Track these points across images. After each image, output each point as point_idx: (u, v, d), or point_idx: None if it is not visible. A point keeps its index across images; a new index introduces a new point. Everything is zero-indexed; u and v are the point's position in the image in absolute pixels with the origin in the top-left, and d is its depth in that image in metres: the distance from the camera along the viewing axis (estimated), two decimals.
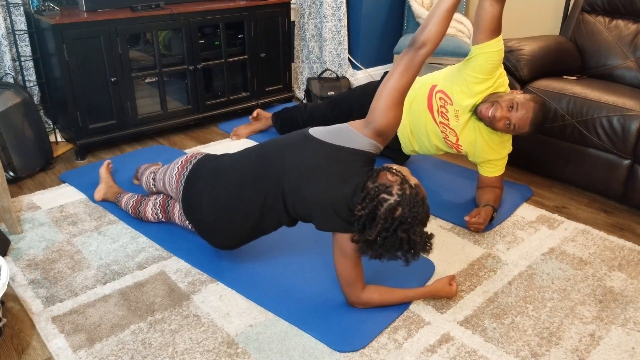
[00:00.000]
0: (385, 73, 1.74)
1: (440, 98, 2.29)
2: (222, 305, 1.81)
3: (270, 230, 1.85)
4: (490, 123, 2.15)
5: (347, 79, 3.79)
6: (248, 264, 2.01)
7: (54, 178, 2.67)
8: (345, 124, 1.71)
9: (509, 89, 2.29)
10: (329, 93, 3.63)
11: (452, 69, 2.31)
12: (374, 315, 1.76)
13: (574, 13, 3.06)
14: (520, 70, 2.68)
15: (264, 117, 3.20)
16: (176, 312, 1.77)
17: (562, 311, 1.82)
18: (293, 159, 1.70)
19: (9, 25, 2.76)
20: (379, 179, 1.60)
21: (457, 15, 3.79)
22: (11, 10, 2.74)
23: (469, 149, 2.34)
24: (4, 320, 1.68)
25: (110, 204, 2.38)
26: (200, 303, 1.81)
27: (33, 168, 2.67)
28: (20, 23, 2.80)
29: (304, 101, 3.79)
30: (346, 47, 3.81)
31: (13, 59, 2.81)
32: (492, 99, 2.17)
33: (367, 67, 4.07)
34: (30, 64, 2.88)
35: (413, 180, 1.61)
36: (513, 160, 2.64)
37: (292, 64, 3.87)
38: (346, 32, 3.80)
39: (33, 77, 2.91)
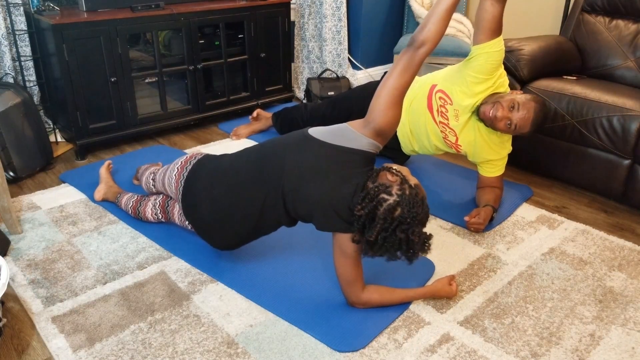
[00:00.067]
0: (386, 73, 1.74)
1: (440, 98, 2.29)
2: (222, 305, 1.81)
3: (270, 230, 1.85)
4: (492, 123, 2.15)
5: (347, 79, 3.79)
6: (248, 264, 2.01)
7: (54, 178, 2.67)
8: (344, 124, 1.71)
9: (509, 89, 2.29)
10: (329, 93, 3.63)
11: (452, 69, 2.31)
12: (374, 315, 1.76)
13: (574, 13, 3.06)
14: (520, 70, 2.68)
15: (264, 117, 3.20)
16: (176, 312, 1.77)
17: (562, 311, 1.82)
18: (293, 159, 1.70)
19: (9, 25, 2.76)
20: (378, 179, 1.60)
21: (457, 15, 3.79)
22: (11, 10, 2.74)
23: (469, 149, 2.34)
24: (4, 320, 1.68)
25: (110, 204, 2.38)
26: (200, 303, 1.81)
27: (33, 168, 2.67)
28: (20, 23, 2.80)
29: (304, 101, 3.79)
30: (346, 47, 3.81)
31: (13, 59, 2.81)
32: (493, 99, 2.17)
33: (367, 67, 4.07)
34: (30, 64, 2.89)
35: (413, 181, 1.61)
36: (513, 160, 2.64)
37: (292, 64, 3.87)
38: (346, 32, 3.80)
39: (33, 77, 2.91)
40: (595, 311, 1.82)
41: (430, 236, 1.58)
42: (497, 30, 2.13)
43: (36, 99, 2.92)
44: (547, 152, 2.66)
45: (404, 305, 1.81)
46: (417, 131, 2.44)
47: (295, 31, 3.82)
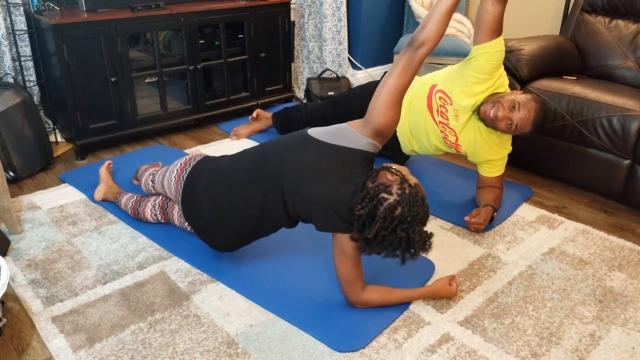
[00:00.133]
0: (386, 73, 1.74)
1: (440, 98, 2.29)
2: (222, 305, 1.81)
3: (270, 231, 1.85)
4: (492, 123, 2.15)
5: (347, 79, 3.79)
6: (248, 264, 2.01)
7: (54, 178, 2.67)
8: (344, 124, 1.71)
9: (509, 89, 2.29)
10: (329, 93, 3.63)
11: (452, 68, 2.31)
12: (374, 315, 1.76)
13: (574, 13, 3.06)
14: (520, 70, 2.68)
15: (263, 117, 3.20)
16: (176, 312, 1.77)
17: (562, 311, 1.82)
18: (292, 160, 1.70)
19: (9, 25, 2.76)
20: (378, 179, 1.60)
21: (457, 15, 3.79)
22: (11, 10, 2.74)
23: (469, 149, 2.34)
24: (4, 320, 1.68)
25: (110, 204, 2.38)
26: (200, 303, 1.81)
27: (33, 168, 2.67)
28: (20, 23, 2.80)
29: (304, 101, 3.79)
30: (346, 47, 3.81)
31: (13, 59, 2.81)
32: (494, 99, 2.17)
33: (367, 67, 4.07)
34: (30, 64, 2.89)
35: (412, 180, 1.61)
36: (513, 160, 2.64)
37: (292, 64, 3.87)
38: (346, 32, 3.80)
39: (33, 77, 2.91)
40: (595, 311, 1.82)
41: (430, 234, 1.59)
42: (497, 31, 2.13)
43: (36, 99, 2.92)
44: (547, 152, 2.66)
45: (404, 305, 1.81)
46: (416, 131, 2.44)
47: (295, 31, 3.82)
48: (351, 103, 2.67)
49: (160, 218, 2.17)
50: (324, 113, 2.77)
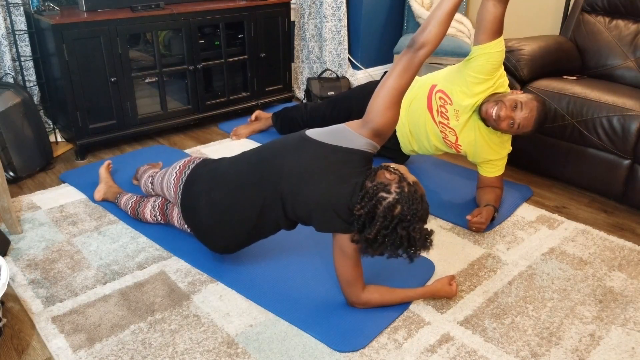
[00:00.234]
0: (385, 72, 1.74)
1: (440, 98, 2.29)
2: (222, 305, 1.81)
3: (269, 233, 1.85)
4: (494, 123, 2.15)
5: (347, 79, 3.79)
6: (248, 264, 2.01)
7: (54, 178, 2.67)
8: (342, 125, 1.71)
9: (508, 89, 2.29)
10: (329, 93, 3.63)
11: (452, 69, 2.31)
12: (374, 315, 1.76)
13: (574, 13, 3.06)
14: (520, 70, 2.68)
15: (263, 117, 3.21)
16: (176, 312, 1.77)
17: (562, 311, 1.82)
18: (291, 161, 1.70)
19: (9, 25, 2.76)
20: (377, 178, 1.60)
21: (457, 15, 3.79)
22: (11, 10, 2.74)
23: (469, 149, 2.34)
24: (4, 320, 1.68)
25: (110, 204, 2.38)
26: (200, 303, 1.81)
27: (33, 168, 2.67)
28: (20, 23, 2.80)
29: (304, 101, 3.79)
30: (346, 47, 3.81)
31: (13, 59, 2.81)
32: (495, 98, 2.17)
33: (367, 67, 4.07)
34: (30, 64, 2.89)
35: (411, 178, 1.61)
36: (513, 160, 2.65)
37: (292, 64, 3.87)
38: (346, 32, 3.80)
39: (33, 77, 2.91)
40: (595, 311, 1.82)
41: (431, 232, 1.59)
42: (498, 31, 2.13)
43: (36, 99, 2.92)
44: (547, 152, 2.66)
45: (404, 305, 1.81)
46: (416, 131, 2.44)
47: (295, 31, 3.82)
48: (351, 103, 2.67)
49: (159, 219, 2.17)
50: (323, 113, 2.77)
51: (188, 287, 1.89)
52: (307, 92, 3.72)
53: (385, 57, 4.17)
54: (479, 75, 2.18)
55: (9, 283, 1.89)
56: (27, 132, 2.61)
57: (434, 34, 1.62)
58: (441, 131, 2.35)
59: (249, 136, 3.15)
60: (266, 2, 3.30)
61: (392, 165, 1.64)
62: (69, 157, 2.90)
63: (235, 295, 1.85)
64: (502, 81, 2.25)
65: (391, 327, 1.73)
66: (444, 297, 1.84)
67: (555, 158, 2.63)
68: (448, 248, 2.15)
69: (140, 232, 2.19)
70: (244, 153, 1.88)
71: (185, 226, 2.02)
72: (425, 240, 1.57)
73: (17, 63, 2.85)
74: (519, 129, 2.14)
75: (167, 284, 1.90)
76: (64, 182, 2.61)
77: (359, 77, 3.99)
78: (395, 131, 2.52)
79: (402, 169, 1.64)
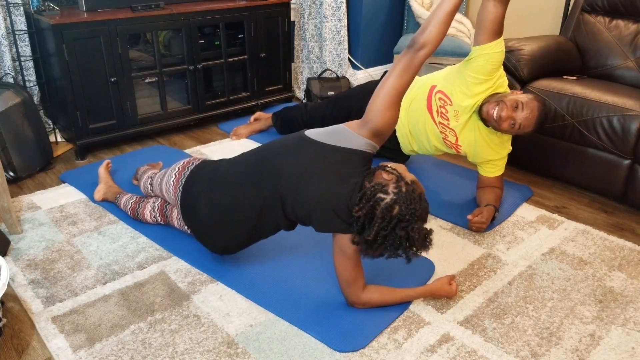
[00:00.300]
0: (385, 72, 1.74)
1: (440, 99, 2.29)
2: (222, 305, 1.81)
3: (269, 234, 1.85)
4: (496, 123, 2.15)
5: (347, 79, 3.79)
6: (248, 265, 2.01)
7: (54, 178, 2.67)
8: (341, 125, 1.71)
9: (508, 89, 2.29)
10: (329, 93, 3.63)
11: (452, 69, 2.31)
12: (374, 315, 1.76)
13: (574, 13, 3.06)
14: (520, 70, 2.68)
15: (263, 117, 3.21)
16: (176, 312, 1.77)
17: (562, 311, 1.82)
18: (290, 162, 1.70)
19: (9, 25, 2.76)
20: (374, 179, 1.60)
21: (457, 15, 3.79)
22: (11, 10, 2.74)
23: (469, 149, 2.34)
24: (4, 320, 1.68)
25: (110, 204, 2.38)
26: (200, 303, 1.81)
27: (33, 168, 2.67)
28: (20, 23, 2.80)
29: (304, 101, 3.79)
30: (346, 47, 3.81)
31: (13, 59, 2.81)
32: (496, 99, 2.17)
33: (367, 67, 4.07)
34: (30, 64, 2.89)
35: (409, 177, 1.61)
36: (513, 160, 2.65)
37: (292, 64, 3.87)
38: (346, 32, 3.80)
39: (33, 77, 2.91)
40: (595, 311, 1.82)
41: (430, 231, 1.58)
42: (498, 32, 2.13)
43: (36, 99, 2.92)
44: (547, 152, 2.66)
45: (404, 305, 1.81)
46: (416, 132, 2.44)
47: (295, 31, 3.82)
48: (351, 102, 2.67)
49: (159, 220, 2.18)
50: (323, 113, 2.77)
51: (188, 287, 1.89)
52: (307, 92, 3.72)
53: (385, 57, 4.17)
54: (478, 76, 2.17)
55: (9, 283, 1.89)
56: (27, 132, 2.61)
57: (434, 34, 1.62)
58: (441, 132, 2.35)
59: (249, 136, 3.15)
60: (266, 2, 3.30)
61: (390, 164, 1.64)
62: (69, 157, 2.90)
63: (235, 295, 1.85)
64: (501, 81, 2.25)
65: (391, 327, 1.73)
66: (444, 296, 1.84)
67: (555, 158, 2.63)
68: (448, 248, 2.15)
69: (140, 232, 2.19)
70: (243, 154, 1.88)
71: (185, 227, 2.02)
72: (424, 240, 1.56)
73: (17, 63, 2.85)
74: (520, 129, 2.14)
75: (167, 284, 1.90)
76: (64, 182, 2.61)
77: (359, 77, 3.99)
78: (395, 131, 2.52)
79: (400, 168, 1.64)
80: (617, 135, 2.38)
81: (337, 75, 3.78)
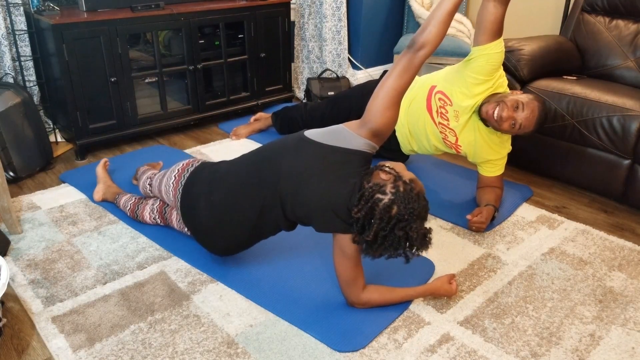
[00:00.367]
0: (385, 72, 1.74)
1: (440, 99, 2.29)
2: (222, 305, 1.81)
3: (269, 234, 1.85)
4: (496, 123, 2.15)
5: (347, 79, 3.79)
6: (248, 265, 2.01)
7: (54, 178, 2.67)
8: (340, 125, 1.71)
9: (507, 89, 2.29)
10: (329, 93, 3.63)
11: (452, 69, 2.31)
12: (374, 315, 1.76)
13: (574, 13, 3.06)
14: (520, 70, 2.68)
15: (263, 117, 3.21)
16: (176, 312, 1.77)
17: (562, 311, 1.82)
18: (289, 162, 1.70)
19: (9, 25, 2.76)
20: (372, 179, 1.60)
21: (457, 15, 3.79)
22: (11, 10, 2.74)
23: (469, 149, 2.34)
24: (4, 320, 1.68)
25: (110, 204, 2.38)
26: (200, 303, 1.81)
27: (33, 168, 2.67)
28: (20, 23, 2.80)
29: (304, 101, 3.79)
30: (346, 47, 3.81)
31: (13, 59, 2.81)
32: (496, 99, 2.17)
33: (367, 67, 4.07)
34: (30, 64, 2.89)
35: (408, 176, 1.61)
36: (513, 160, 2.65)
37: (292, 64, 3.87)
38: (346, 32, 3.80)
39: (33, 77, 2.91)
40: (595, 311, 1.82)
41: (429, 230, 1.58)
42: (498, 32, 2.13)
43: (36, 99, 2.92)
44: (547, 152, 2.66)
45: (404, 305, 1.81)
46: (416, 132, 2.44)
47: (295, 31, 3.82)
48: (351, 102, 2.67)
49: (159, 221, 2.18)
50: (323, 112, 2.77)
51: (188, 287, 1.89)
52: (307, 92, 3.72)
53: (385, 57, 4.17)
54: (478, 76, 2.17)
55: (9, 283, 1.89)
56: (27, 132, 2.61)
57: (434, 34, 1.62)
58: (441, 132, 2.35)
59: (249, 136, 3.15)
60: (266, 2, 3.30)
61: (388, 164, 1.64)
62: (69, 157, 2.90)
63: (235, 295, 1.85)
64: (501, 81, 2.25)
65: (391, 327, 1.73)
66: (443, 295, 1.84)
67: (555, 158, 2.63)
68: (448, 248, 2.15)
69: (140, 232, 2.19)
70: (243, 155, 1.88)
71: (185, 229, 2.02)
72: (423, 239, 1.56)
73: (17, 63, 2.85)
74: (520, 129, 2.14)
75: (167, 284, 1.90)
76: (64, 182, 2.61)
77: (359, 77, 3.99)
78: (394, 131, 2.52)
79: (399, 167, 1.64)
80: (617, 135, 2.38)
81: (337, 75, 3.78)
